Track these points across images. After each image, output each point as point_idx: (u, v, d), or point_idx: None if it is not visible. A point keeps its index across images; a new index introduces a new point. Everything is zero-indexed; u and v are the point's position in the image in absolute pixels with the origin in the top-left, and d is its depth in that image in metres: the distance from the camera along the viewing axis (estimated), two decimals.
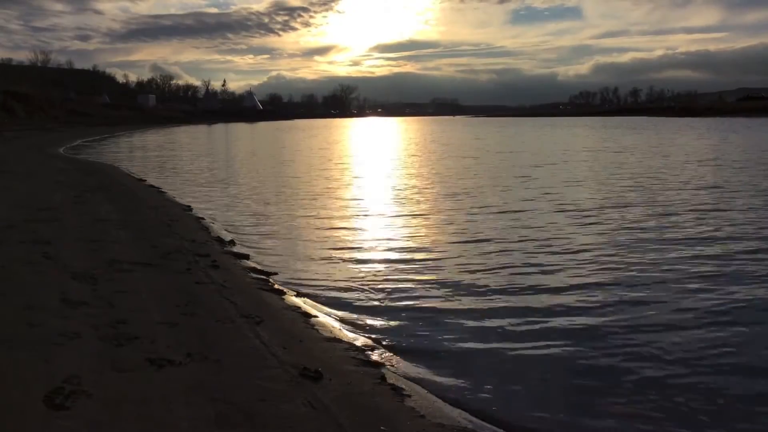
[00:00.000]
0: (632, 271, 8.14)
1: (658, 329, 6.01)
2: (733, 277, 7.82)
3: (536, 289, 7.36)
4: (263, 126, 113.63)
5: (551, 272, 8.15)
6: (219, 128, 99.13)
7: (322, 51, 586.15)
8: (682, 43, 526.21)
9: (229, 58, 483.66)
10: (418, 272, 8.25)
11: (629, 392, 4.74)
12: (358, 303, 7.03)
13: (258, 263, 8.67)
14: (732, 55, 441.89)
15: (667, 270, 8.14)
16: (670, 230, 10.82)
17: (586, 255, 9.04)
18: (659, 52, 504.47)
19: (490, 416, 4.41)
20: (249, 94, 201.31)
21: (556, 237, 10.37)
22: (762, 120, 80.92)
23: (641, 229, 11.00)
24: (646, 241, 9.98)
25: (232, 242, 9.92)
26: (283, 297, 6.99)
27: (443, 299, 7.09)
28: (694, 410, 4.49)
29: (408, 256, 9.21)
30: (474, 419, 4.36)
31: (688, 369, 5.15)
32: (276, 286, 7.39)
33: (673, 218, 12.00)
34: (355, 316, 6.59)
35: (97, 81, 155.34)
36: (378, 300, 7.13)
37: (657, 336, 5.84)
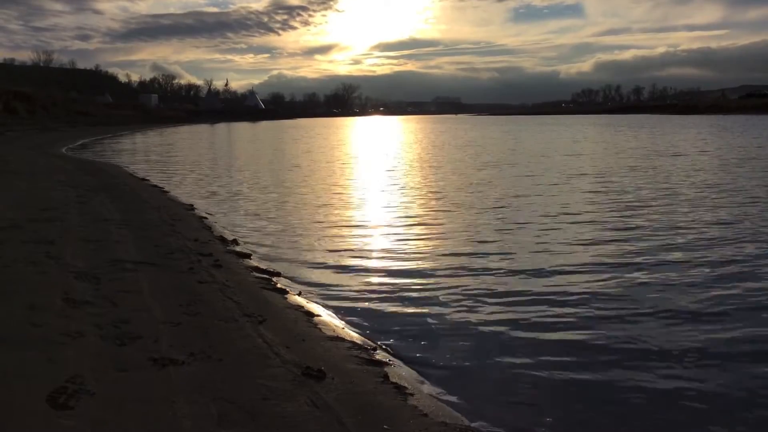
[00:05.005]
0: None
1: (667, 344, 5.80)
2: None
3: (543, 294, 7.24)
4: (266, 125, 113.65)
5: (561, 278, 7.97)
6: (221, 128, 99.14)
7: (323, 50, 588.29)
8: (684, 41, 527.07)
9: (229, 57, 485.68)
10: (421, 273, 8.24)
11: (630, 402, 4.68)
12: (360, 302, 7.02)
13: (261, 263, 8.67)
14: (734, 53, 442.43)
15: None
16: None
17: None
18: (661, 50, 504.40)
19: (492, 416, 4.40)
20: (251, 94, 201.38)
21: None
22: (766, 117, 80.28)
23: None
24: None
25: (234, 241, 9.91)
26: (286, 296, 6.99)
27: (447, 299, 7.07)
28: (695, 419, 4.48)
29: (412, 256, 9.20)
30: (476, 419, 4.35)
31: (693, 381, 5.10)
32: (279, 286, 7.38)
33: None
34: (358, 315, 6.58)
35: (99, 81, 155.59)
36: (381, 299, 7.12)
37: (663, 351, 5.66)
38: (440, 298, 7.10)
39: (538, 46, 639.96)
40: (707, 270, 8.05)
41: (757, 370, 5.11)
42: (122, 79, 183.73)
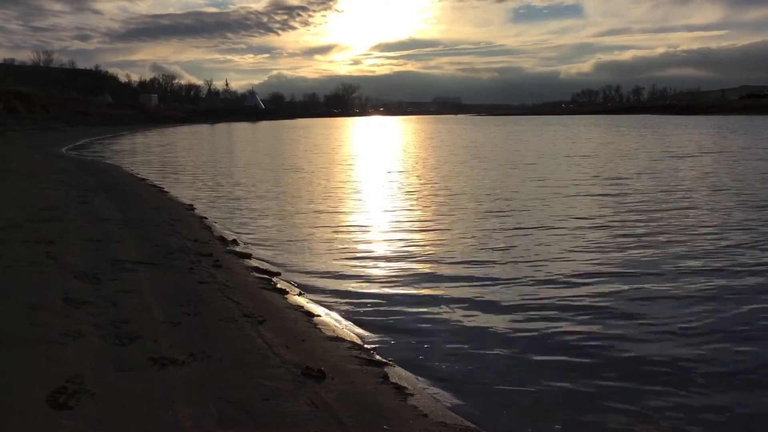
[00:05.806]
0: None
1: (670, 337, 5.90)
2: None
3: (545, 298, 7.15)
4: (266, 125, 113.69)
5: (565, 282, 7.81)
6: (221, 128, 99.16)
7: (323, 50, 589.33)
8: (684, 41, 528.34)
9: (229, 57, 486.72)
10: (422, 273, 8.23)
11: (634, 400, 4.66)
12: (361, 302, 7.01)
13: (261, 263, 8.67)
14: (734, 53, 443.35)
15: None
16: None
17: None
18: (661, 50, 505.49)
19: (493, 417, 4.40)
20: (251, 94, 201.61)
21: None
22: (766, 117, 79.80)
23: None
24: None
25: (234, 242, 9.92)
26: (286, 296, 6.99)
27: (448, 300, 7.07)
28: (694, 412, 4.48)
29: (413, 257, 9.19)
30: (476, 420, 4.35)
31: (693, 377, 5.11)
32: (279, 286, 7.38)
33: None
34: (358, 315, 6.58)
35: (100, 81, 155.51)
36: (381, 299, 7.11)
37: (669, 345, 5.73)
38: (441, 298, 7.09)
39: (538, 46, 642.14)
40: (724, 281, 7.60)
41: None
42: (122, 79, 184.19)
